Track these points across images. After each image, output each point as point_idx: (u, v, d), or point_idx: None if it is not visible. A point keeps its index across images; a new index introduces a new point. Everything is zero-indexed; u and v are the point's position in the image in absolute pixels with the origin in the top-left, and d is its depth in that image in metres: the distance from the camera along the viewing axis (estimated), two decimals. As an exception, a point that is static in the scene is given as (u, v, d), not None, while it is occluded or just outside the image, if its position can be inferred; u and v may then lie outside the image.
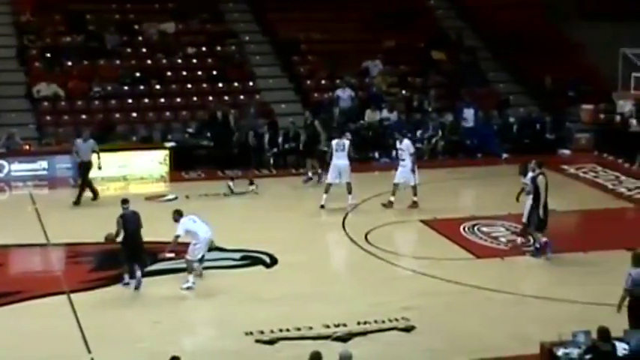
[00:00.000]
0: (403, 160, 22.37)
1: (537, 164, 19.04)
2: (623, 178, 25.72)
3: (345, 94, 28.86)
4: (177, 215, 17.50)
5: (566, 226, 20.36)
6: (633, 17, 28.23)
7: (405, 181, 22.36)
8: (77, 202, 22.90)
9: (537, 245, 19.06)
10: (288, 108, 29.46)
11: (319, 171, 24.47)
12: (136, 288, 17.14)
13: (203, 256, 17.66)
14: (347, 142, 22.87)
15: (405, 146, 22.43)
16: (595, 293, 16.97)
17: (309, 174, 24.67)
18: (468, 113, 28.64)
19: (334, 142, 22.87)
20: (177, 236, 17.32)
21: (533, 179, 18.89)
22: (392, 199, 22.29)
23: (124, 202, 17.79)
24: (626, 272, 14.47)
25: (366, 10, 32.50)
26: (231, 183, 23.91)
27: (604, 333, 12.78)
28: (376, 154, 27.64)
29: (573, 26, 32.85)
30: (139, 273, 17.22)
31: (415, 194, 22.25)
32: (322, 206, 22.28)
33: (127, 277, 17.34)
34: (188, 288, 17.25)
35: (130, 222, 17.44)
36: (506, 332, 15.56)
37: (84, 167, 23.24)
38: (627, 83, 27.84)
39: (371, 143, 27.95)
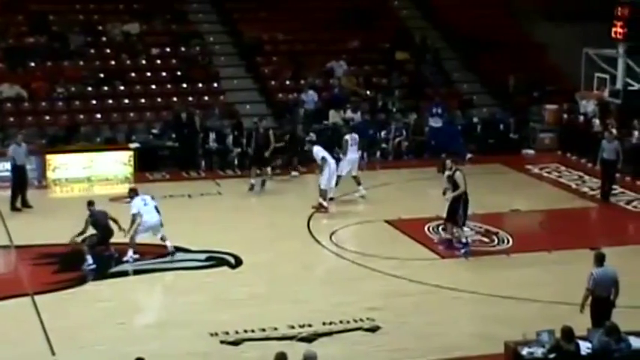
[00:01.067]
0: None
1: (453, 162, 19.50)
2: (586, 177, 25.92)
3: (308, 98, 28.82)
4: (133, 193, 18.55)
5: (530, 226, 20.53)
6: (596, 18, 28.45)
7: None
8: (14, 208, 22.40)
9: (463, 241, 19.32)
10: (253, 109, 29.41)
11: (266, 177, 24.31)
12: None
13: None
14: (357, 137, 23.61)
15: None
16: (559, 292, 17.10)
17: (252, 181, 24.35)
18: (437, 113, 28.80)
19: (348, 136, 23.49)
20: (134, 215, 18.33)
21: (450, 177, 19.33)
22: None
23: (90, 203, 18.29)
24: (589, 272, 14.60)
25: (330, 10, 32.51)
26: (253, 181, 24.00)
27: (568, 332, 12.88)
28: (340, 155, 27.63)
29: (537, 27, 33.08)
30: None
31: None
32: (332, 198, 22.65)
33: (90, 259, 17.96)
34: (127, 261, 18.27)
35: (101, 219, 18.24)
36: (470, 332, 15.64)
37: (19, 172, 22.71)
38: (590, 84, 28.06)
39: (335, 144, 27.91)
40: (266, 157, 24.31)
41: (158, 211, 18.75)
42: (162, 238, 18.73)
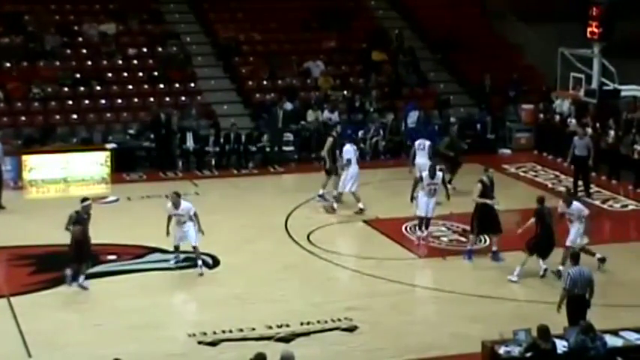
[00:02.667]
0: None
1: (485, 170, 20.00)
2: (562, 177, 26.05)
3: (288, 106, 28.75)
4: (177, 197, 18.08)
5: (507, 225, 20.48)
6: (571, 18, 28.58)
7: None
8: None
9: (468, 247, 19.55)
10: (230, 109, 29.39)
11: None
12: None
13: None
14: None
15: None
16: (536, 291, 17.21)
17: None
18: (414, 115, 28.86)
19: (350, 147, 22.60)
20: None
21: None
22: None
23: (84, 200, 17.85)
24: (565, 271, 14.68)
25: (306, 10, 32.52)
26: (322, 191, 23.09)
27: (544, 331, 12.96)
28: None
29: (512, 27, 33.22)
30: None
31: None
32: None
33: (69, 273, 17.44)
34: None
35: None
36: (448, 331, 15.68)
37: None
38: (566, 83, 28.17)
39: (314, 144, 27.97)
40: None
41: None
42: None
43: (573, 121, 27.79)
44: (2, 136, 24.59)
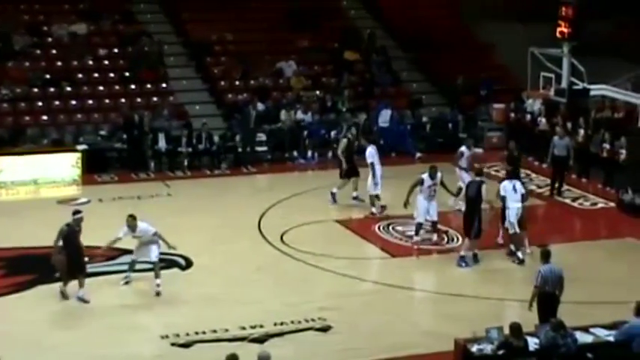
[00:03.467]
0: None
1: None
2: (533, 175, 26.20)
3: (259, 107, 28.70)
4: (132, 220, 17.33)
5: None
6: (542, 18, 28.74)
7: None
8: None
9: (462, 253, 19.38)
10: (203, 109, 29.31)
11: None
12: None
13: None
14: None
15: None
16: (508, 289, 17.30)
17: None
18: (386, 114, 28.90)
19: (372, 149, 22.30)
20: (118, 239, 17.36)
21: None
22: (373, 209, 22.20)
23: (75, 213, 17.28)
24: (536, 270, 14.79)
25: (278, 10, 32.49)
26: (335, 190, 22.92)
27: (516, 329, 13.05)
28: (295, 153, 27.70)
29: (483, 27, 33.34)
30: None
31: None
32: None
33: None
34: None
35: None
36: (421, 330, 15.76)
37: None
38: (537, 83, 28.32)
39: (288, 144, 27.97)
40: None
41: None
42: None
43: (543, 120, 27.96)
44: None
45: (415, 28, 32.88)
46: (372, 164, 22.09)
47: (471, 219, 18.79)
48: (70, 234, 16.78)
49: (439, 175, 20.13)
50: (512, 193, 19.11)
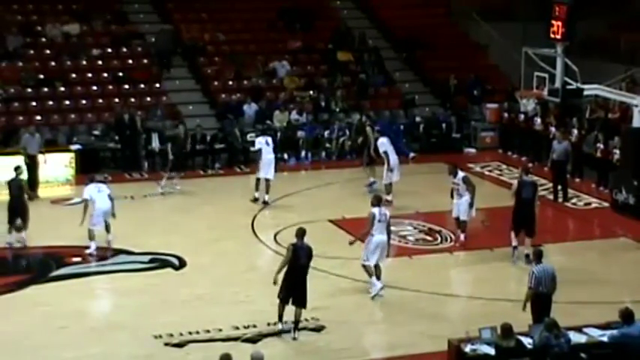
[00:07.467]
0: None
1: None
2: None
3: (250, 110, 28.68)
4: (89, 181, 19.14)
5: (473, 224, 20.63)
6: (535, 17, 28.76)
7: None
8: None
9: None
10: (196, 109, 29.30)
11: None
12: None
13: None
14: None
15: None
16: (501, 289, 17.31)
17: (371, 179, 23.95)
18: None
19: (385, 140, 23.18)
20: (85, 200, 18.93)
21: (465, 178, 19.85)
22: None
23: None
24: (530, 270, 14.79)
25: (271, 10, 32.49)
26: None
27: (506, 330, 13.05)
28: (285, 155, 27.66)
29: (476, 26, 33.38)
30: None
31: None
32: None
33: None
34: (91, 255, 18.75)
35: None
36: (414, 330, 15.75)
37: None
38: (530, 83, 28.31)
39: (281, 144, 27.92)
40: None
41: (111, 199, 19.24)
42: (107, 228, 19.09)
43: (538, 120, 27.98)
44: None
45: (408, 28, 32.90)
46: (386, 152, 22.66)
47: (531, 218, 18.94)
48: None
49: (460, 174, 19.98)
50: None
